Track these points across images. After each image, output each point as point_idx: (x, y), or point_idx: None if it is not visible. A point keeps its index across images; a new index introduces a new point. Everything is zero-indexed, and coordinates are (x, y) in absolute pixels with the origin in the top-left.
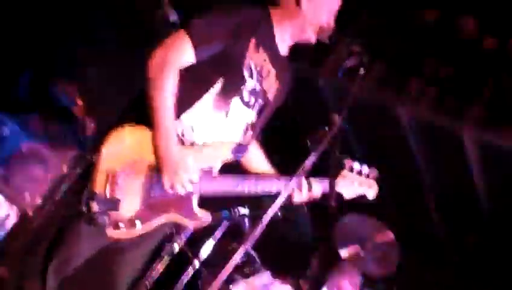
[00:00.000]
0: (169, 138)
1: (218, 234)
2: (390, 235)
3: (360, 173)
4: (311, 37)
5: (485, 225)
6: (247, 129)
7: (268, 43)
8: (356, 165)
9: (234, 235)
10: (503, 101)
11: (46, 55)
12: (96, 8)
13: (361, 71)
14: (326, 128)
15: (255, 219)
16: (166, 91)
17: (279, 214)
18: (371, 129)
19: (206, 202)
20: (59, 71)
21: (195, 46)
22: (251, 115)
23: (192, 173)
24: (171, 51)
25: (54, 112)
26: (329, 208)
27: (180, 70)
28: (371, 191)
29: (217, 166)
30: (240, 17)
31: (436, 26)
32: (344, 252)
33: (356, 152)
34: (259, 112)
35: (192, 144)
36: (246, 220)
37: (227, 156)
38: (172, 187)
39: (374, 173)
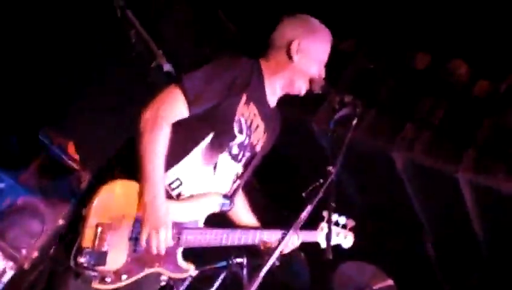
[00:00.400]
0: (156, 193)
1: (216, 284)
2: (389, 282)
3: (337, 224)
4: (302, 89)
5: (485, 267)
6: (234, 182)
7: (258, 97)
8: (333, 217)
9: (232, 285)
10: (497, 143)
11: (39, 108)
12: (92, 61)
13: (354, 121)
14: (321, 180)
15: (252, 268)
16: (158, 146)
17: (276, 262)
18: (366, 175)
19: (203, 252)
20: (54, 125)
21: (189, 103)
22: (238, 168)
23: (170, 233)
24: (165, 106)
25: (49, 166)
26: (326, 260)
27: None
28: (346, 241)
29: (203, 219)
30: (234, 72)
31: (428, 70)
32: None
33: (353, 198)
34: (247, 164)
35: (178, 196)
36: (244, 269)
37: (214, 209)
38: (147, 243)
39: (351, 224)
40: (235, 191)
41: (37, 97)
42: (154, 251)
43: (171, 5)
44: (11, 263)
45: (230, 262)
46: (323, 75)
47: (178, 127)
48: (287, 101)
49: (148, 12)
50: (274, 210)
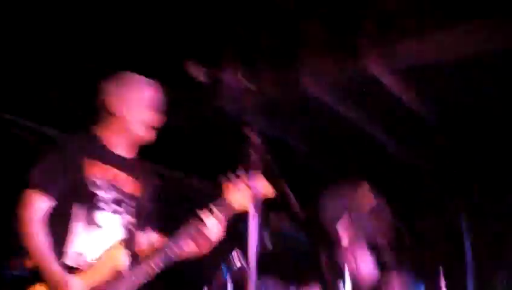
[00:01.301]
0: (50, 274)
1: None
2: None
3: (236, 182)
4: (144, 137)
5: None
6: (129, 229)
7: (106, 156)
8: (232, 178)
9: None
10: None
11: None
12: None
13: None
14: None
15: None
16: (37, 241)
17: (269, 245)
18: None
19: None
20: None
21: (44, 193)
22: (124, 218)
23: None
24: (26, 209)
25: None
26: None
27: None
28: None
29: (124, 265)
30: (62, 154)
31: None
32: (344, 241)
33: None
34: (135, 212)
35: (90, 266)
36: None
37: (123, 259)
38: None
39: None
40: (132, 237)
41: None
42: None
43: None
44: None
45: (229, 261)
46: (156, 116)
47: (51, 216)
48: None
49: None
50: None
